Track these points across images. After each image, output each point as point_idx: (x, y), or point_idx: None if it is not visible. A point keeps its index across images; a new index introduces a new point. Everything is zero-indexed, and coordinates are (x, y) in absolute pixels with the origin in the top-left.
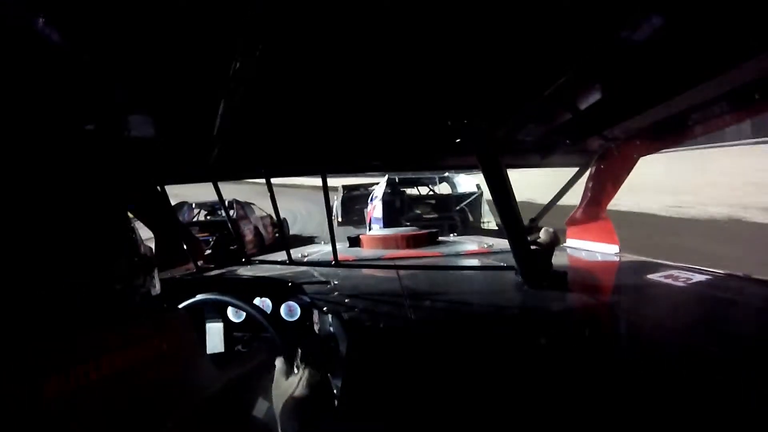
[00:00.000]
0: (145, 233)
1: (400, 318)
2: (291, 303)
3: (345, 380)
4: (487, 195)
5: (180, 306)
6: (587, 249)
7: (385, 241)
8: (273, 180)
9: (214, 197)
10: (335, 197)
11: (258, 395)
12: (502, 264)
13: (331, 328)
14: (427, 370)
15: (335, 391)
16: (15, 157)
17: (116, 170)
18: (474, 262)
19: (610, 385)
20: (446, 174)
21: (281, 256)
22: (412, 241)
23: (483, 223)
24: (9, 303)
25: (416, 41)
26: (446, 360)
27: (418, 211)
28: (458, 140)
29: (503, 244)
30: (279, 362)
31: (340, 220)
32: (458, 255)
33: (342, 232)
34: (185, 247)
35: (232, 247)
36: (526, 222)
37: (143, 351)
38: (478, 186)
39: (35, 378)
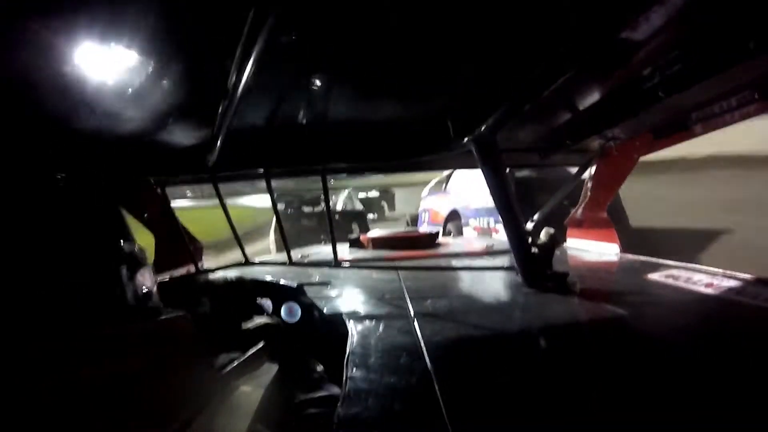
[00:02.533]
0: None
1: (401, 319)
2: (292, 304)
3: (346, 381)
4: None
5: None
6: (587, 249)
7: (385, 242)
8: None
9: None
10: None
11: (258, 398)
12: (502, 265)
13: (332, 329)
14: (428, 370)
15: (337, 393)
16: (14, 161)
17: (114, 171)
18: (474, 262)
19: (611, 385)
20: None
21: (282, 256)
22: (412, 242)
23: None
24: (9, 303)
25: (416, 41)
26: (447, 361)
27: None
28: (458, 140)
29: (503, 244)
30: (279, 365)
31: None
32: (459, 255)
33: None
34: (185, 247)
35: None
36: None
37: (144, 353)
38: None
39: (35, 379)
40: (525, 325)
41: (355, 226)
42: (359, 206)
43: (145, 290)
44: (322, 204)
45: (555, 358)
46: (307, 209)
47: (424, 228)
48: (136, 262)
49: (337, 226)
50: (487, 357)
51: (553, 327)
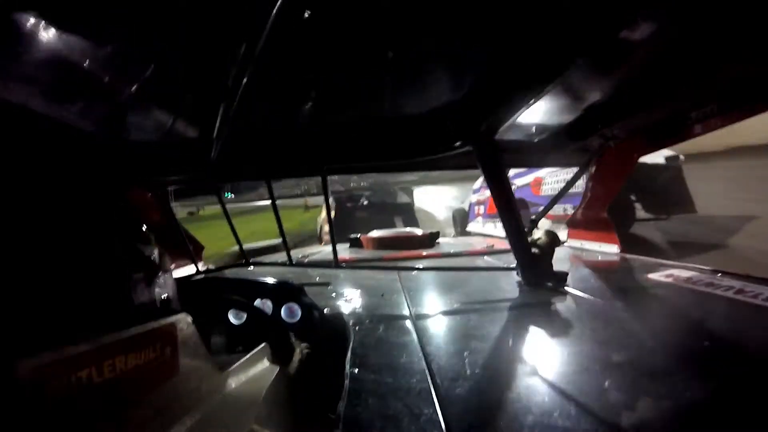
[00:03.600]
0: None
1: (401, 319)
2: (292, 304)
3: (347, 380)
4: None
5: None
6: (587, 249)
7: (385, 242)
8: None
9: None
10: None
11: (258, 398)
12: (502, 264)
13: (333, 330)
14: (426, 371)
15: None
16: (18, 162)
17: (120, 174)
18: (474, 262)
19: (611, 385)
20: None
21: (282, 257)
22: (412, 242)
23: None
24: (12, 305)
25: (416, 42)
26: (445, 361)
27: None
28: (458, 140)
29: (503, 244)
30: (279, 365)
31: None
32: (459, 255)
33: None
34: (185, 248)
35: None
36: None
37: (146, 354)
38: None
39: (38, 381)
40: (524, 325)
41: (398, 221)
42: (404, 198)
43: (164, 297)
44: (368, 198)
45: (554, 358)
46: (349, 204)
47: (477, 222)
48: (153, 266)
49: (374, 221)
50: (485, 357)
51: (552, 327)
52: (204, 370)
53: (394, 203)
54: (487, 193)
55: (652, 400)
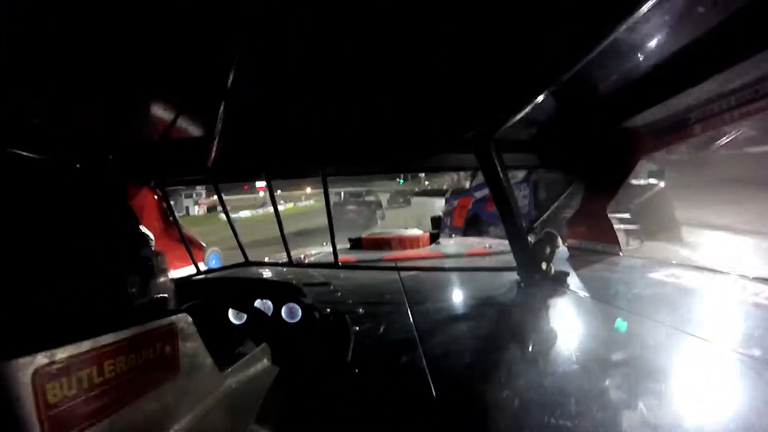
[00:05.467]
0: None
1: (401, 319)
2: (292, 305)
3: (347, 381)
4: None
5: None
6: (588, 249)
7: (385, 242)
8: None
9: None
10: None
11: (258, 398)
12: (502, 265)
13: (333, 329)
14: (428, 370)
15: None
16: (19, 164)
17: (120, 175)
18: (474, 263)
19: (611, 385)
20: None
21: (282, 257)
22: (412, 242)
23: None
24: (14, 306)
25: (416, 44)
26: (444, 360)
27: None
28: (458, 141)
29: (503, 245)
30: (279, 365)
31: None
32: (459, 256)
33: None
34: (185, 248)
35: None
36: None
37: (146, 353)
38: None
39: (38, 380)
40: (524, 325)
41: (377, 213)
42: (374, 197)
43: (158, 297)
44: (364, 196)
45: (554, 358)
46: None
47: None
48: (150, 268)
49: (357, 212)
50: (485, 357)
51: (552, 327)
52: (204, 370)
53: (370, 200)
54: (455, 202)
55: (649, 399)
